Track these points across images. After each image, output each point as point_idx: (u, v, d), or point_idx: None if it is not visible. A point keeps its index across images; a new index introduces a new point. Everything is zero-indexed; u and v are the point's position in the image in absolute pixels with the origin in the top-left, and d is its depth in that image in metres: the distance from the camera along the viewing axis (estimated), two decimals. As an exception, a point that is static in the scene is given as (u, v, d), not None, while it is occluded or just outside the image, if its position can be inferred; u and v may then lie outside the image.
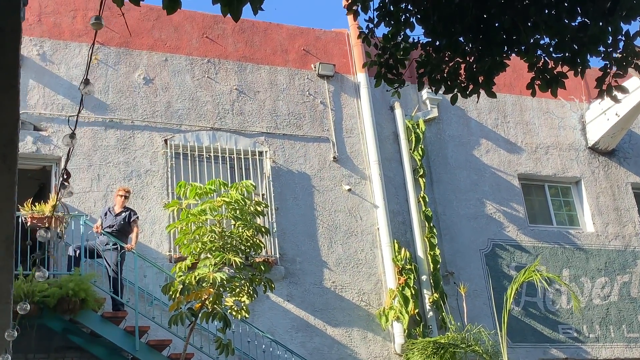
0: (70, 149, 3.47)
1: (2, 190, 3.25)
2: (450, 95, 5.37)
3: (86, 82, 3.03)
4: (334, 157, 12.09)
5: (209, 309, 8.70)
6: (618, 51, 4.88)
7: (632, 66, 4.97)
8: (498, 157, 13.18)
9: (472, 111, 13.36)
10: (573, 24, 4.70)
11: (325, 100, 12.48)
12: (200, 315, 8.75)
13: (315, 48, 12.84)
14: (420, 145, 12.46)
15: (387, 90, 5.56)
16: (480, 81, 5.07)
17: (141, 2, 3.59)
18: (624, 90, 5.10)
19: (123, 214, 9.85)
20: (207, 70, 11.96)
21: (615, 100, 5.32)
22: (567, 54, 4.78)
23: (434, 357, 10.43)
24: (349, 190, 11.96)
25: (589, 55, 4.81)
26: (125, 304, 9.56)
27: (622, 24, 4.77)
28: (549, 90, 4.89)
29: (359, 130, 12.45)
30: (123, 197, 9.89)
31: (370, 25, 5.30)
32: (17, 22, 3.67)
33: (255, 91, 12.11)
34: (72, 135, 3.13)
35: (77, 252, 9.48)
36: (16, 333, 2.85)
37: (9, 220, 3.19)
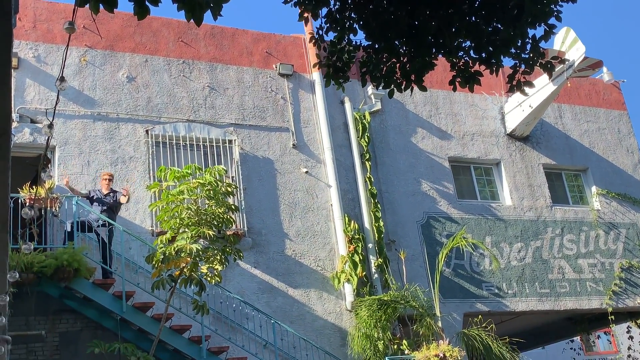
0: (49, 137, 3.40)
1: (-2, 175, 3.18)
2: (388, 90, 5.41)
3: (61, 79, 2.97)
4: (293, 144, 12.08)
5: (186, 276, 8.66)
6: (526, 52, 4.96)
7: (538, 65, 5.04)
8: (431, 143, 13.30)
9: (410, 104, 13.44)
10: (488, 29, 4.75)
11: (285, 96, 12.43)
12: (179, 280, 8.70)
13: (276, 51, 12.76)
14: (366, 134, 12.51)
15: (332, 84, 5.56)
16: (413, 78, 5.11)
17: (117, 9, 3.52)
18: (530, 85, 5.17)
19: (112, 194, 9.75)
20: (183, 69, 11.81)
21: (524, 93, 5.40)
22: (483, 55, 4.84)
23: (379, 312, 10.56)
24: (306, 172, 11.97)
25: (502, 56, 4.88)
26: (114, 272, 9.48)
27: (529, 29, 4.85)
28: (467, 86, 4.95)
29: (314, 121, 12.45)
30: (108, 180, 9.81)
31: (320, 32, 5.29)
32: (8, 27, 3.57)
33: (224, 88, 12.00)
34: (50, 126, 3.07)
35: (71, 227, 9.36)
36: (8, 298, 2.79)
37: (4, 201, 3.12)
